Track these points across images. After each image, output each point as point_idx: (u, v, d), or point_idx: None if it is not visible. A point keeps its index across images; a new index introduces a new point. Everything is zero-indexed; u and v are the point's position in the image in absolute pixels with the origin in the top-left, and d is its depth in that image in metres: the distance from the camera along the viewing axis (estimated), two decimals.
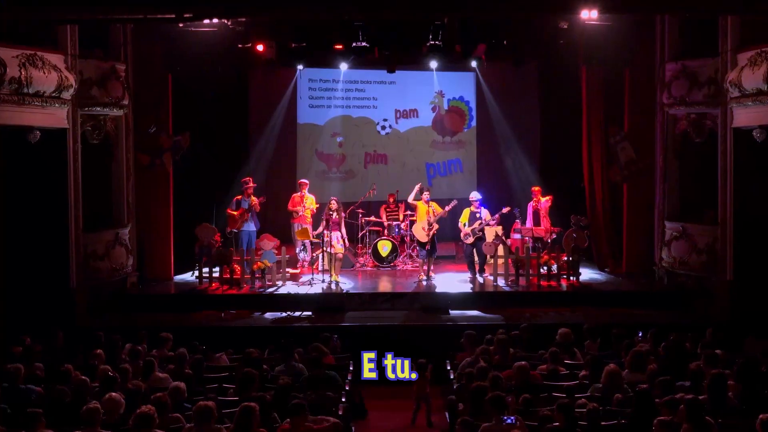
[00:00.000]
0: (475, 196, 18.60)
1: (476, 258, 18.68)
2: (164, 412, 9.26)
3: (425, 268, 18.48)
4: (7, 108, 14.98)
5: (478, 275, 18.57)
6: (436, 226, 18.20)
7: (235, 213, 18.79)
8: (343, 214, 18.43)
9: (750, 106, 16.05)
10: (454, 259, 20.89)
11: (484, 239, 18.43)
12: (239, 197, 18.95)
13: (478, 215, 18.34)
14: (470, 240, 18.39)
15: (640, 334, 13.33)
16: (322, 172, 23.63)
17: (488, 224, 18.49)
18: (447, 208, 18.40)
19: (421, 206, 18.37)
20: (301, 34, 17.29)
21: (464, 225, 18.43)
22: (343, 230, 18.33)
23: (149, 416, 8.68)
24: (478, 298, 17.33)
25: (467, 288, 17.80)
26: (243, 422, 8.80)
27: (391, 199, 20.72)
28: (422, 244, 18.46)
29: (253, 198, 18.83)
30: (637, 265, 19.14)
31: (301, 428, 9.00)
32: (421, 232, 18.43)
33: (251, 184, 18.97)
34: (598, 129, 19.65)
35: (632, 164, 19.00)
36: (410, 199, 18.68)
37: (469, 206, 18.47)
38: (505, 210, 18.42)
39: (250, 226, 18.96)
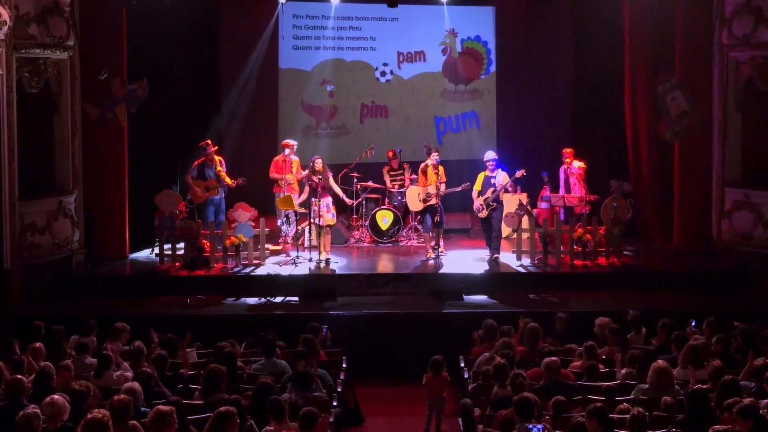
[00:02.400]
0: (489, 155, 18.24)
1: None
2: (121, 418, 9.18)
3: (433, 243, 18.39)
4: None
5: (495, 254, 18.16)
6: (437, 200, 18.05)
7: (198, 188, 18.62)
8: (330, 174, 18.25)
9: None
10: (468, 234, 20.84)
11: (500, 210, 18.09)
12: (201, 160, 18.81)
13: (493, 180, 17.95)
14: (483, 214, 17.98)
15: (694, 324, 13.28)
16: (309, 127, 23.52)
17: (506, 190, 18.21)
18: (457, 189, 18.25)
19: (429, 171, 18.24)
20: None
21: (478, 194, 18.08)
22: (337, 189, 18.26)
23: (101, 423, 8.57)
24: (498, 280, 17.31)
25: (484, 268, 17.70)
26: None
27: (391, 154, 20.50)
28: (421, 214, 18.35)
29: (224, 174, 18.66)
30: (690, 240, 19.07)
31: None
32: (414, 199, 18.33)
33: (212, 149, 18.79)
34: (644, 75, 19.51)
35: (685, 118, 18.90)
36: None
37: (484, 169, 18.23)
38: (518, 174, 18.00)
39: (218, 195, 18.85)
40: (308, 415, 9.23)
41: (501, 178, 17.91)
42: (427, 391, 12.75)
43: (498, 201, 17.98)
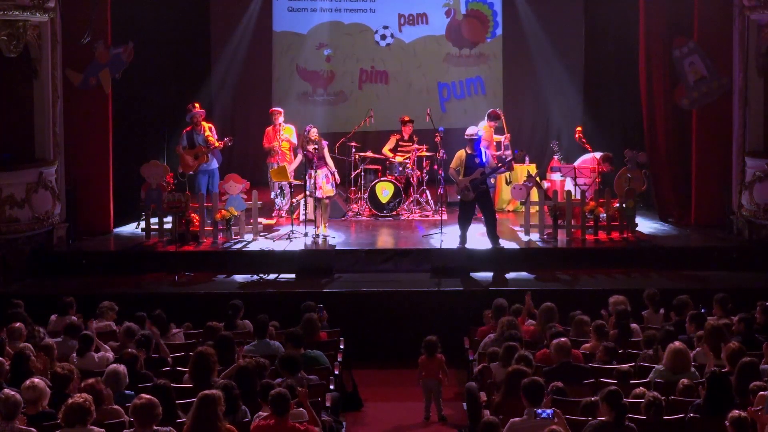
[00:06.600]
0: (471, 130, 17.51)
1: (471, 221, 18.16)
2: (101, 402, 9.16)
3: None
4: None
5: (494, 244, 17.42)
6: None
7: (189, 155, 18.57)
8: (325, 144, 18.10)
9: None
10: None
11: (489, 193, 17.71)
12: (190, 128, 18.75)
13: (478, 160, 17.10)
14: (471, 196, 17.07)
15: (704, 310, 13.17)
16: (305, 94, 23.49)
17: (499, 171, 17.95)
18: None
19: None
20: None
21: (458, 172, 17.13)
22: (330, 163, 18.09)
23: (83, 408, 8.57)
24: (505, 256, 17.23)
25: (490, 244, 17.58)
26: (201, 417, 8.69)
27: (409, 128, 20.15)
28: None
29: (212, 138, 18.60)
30: (709, 214, 18.98)
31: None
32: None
33: (197, 110, 18.72)
34: (660, 39, 19.39)
35: (703, 84, 18.80)
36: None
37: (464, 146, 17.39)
38: (517, 154, 17.62)
39: (211, 164, 18.79)
40: (278, 398, 9.05)
41: (488, 159, 17.37)
42: (422, 373, 12.69)
43: (487, 183, 17.62)
